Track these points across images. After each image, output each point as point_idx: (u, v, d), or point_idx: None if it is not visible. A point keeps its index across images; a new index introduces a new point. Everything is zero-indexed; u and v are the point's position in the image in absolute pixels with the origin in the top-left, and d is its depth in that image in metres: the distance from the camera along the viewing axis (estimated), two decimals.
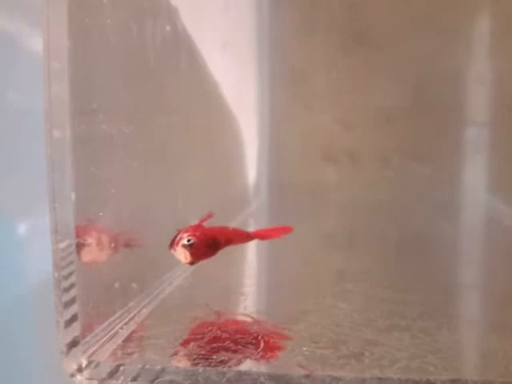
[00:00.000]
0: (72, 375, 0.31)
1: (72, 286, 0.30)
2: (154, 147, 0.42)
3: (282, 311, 0.41)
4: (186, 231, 0.39)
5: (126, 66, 0.37)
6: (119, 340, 0.34)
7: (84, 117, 0.30)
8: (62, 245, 0.29)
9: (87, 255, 0.33)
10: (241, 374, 0.30)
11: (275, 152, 0.78)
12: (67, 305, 0.31)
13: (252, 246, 0.52)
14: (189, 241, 0.38)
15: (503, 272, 0.51)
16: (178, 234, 0.39)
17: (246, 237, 0.44)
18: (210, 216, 0.42)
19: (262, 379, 0.30)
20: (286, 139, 0.79)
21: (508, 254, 0.57)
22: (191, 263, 0.38)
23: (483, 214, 0.74)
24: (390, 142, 0.77)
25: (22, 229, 0.75)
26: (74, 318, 0.30)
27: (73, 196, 0.29)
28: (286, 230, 0.44)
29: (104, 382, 0.30)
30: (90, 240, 0.33)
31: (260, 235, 0.44)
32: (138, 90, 0.39)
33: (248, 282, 0.49)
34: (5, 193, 0.75)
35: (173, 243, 0.39)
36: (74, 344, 0.31)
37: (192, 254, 0.38)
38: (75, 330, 0.30)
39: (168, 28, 0.42)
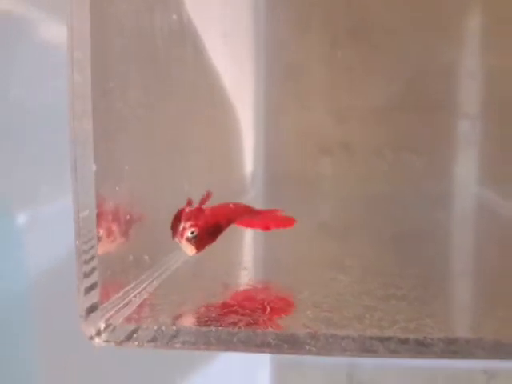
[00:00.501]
0: (91, 338, 0.33)
1: (92, 257, 0.32)
2: (163, 131, 0.44)
3: (284, 283, 0.43)
4: (188, 218, 0.41)
5: (138, 53, 0.39)
6: (133, 307, 0.36)
7: (102, 97, 0.32)
8: (83, 214, 0.31)
9: (101, 248, 0.35)
10: (250, 334, 0.32)
11: (271, 144, 0.80)
12: (87, 275, 0.33)
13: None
14: (192, 233, 0.40)
15: (496, 258, 0.53)
16: (179, 218, 0.41)
17: (245, 212, 0.46)
18: (208, 195, 0.43)
19: (270, 339, 0.32)
20: (281, 132, 0.81)
21: (501, 242, 0.59)
22: (196, 253, 0.41)
23: (476, 204, 0.76)
24: (384, 136, 0.79)
25: (21, 219, 0.77)
26: (92, 287, 0.33)
27: (94, 167, 0.31)
28: (288, 223, 0.46)
29: (122, 344, 0.33)
30: (102, 233, 0.35)
31: (262, 220, 0.46)
32: (149, 77, 0.41)
33: (247, 259, 0.52)
34: (5, 184, 0.77)
35: (175, 230, 0.41)
36: (92, 309, 0.33)
37: (197, 246, 0.41)
38: (94, 296, 0.33)
39: (174, 17, 0.44)
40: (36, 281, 0.77)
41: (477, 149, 0.77)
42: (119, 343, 0.33)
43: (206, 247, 0.42)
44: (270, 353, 0.32)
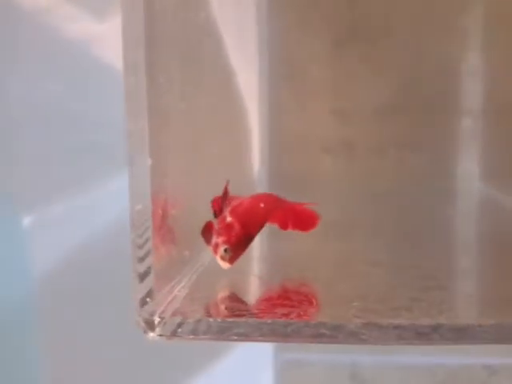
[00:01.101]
0: (145, 332, 0.33)
1: (147, 253, 0.32)
2: (198, 124, 0.45)
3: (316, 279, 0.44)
4: (220, 234, 0.42)
5: (178, 49, 0.39)
6: (179, 300, 0.37)
7: (151, 90, 0.33)
8: (138, 207, 0.32)
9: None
10: (304, 325, 0.33)
11: (275, 143, 0.80)
12: (142, 275, 0.33)
13: None
14: (225, 250, 0.42)
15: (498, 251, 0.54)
16: (209, 229, 0.43)
17: (275, 211, 0.46)
18: (226, 187, 0.44)
19: (323, 330, 0.33)
20: (284, 131, 0.81)
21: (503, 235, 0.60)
22: (230, 266, 0.42)
23: (478, 199, 0.78)
24: (387, 133, 0.80)
25: (27, 221, 0.76)
26: (146, 283, 0.33)
27: (149, 161, 0.32)
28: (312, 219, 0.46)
29: (175, 337, 0.33)
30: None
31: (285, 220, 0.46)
32: (187, 72, 0.42)
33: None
34: (11, 184, 0.77)
35: (207, 240, 0.43)
36: (144, 302, 0.33)
37: (230, 261, 0.42)
38: (147, 285, 0.33)
39: (202, 15, 0.45)
40: (41, 282, 0.77)
41: (479, 146, 0.78)
42: (172, 336, 0.33)
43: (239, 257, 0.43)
44: (325, 343, 0.32)
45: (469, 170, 0.77)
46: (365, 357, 0.84)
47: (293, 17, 0.79)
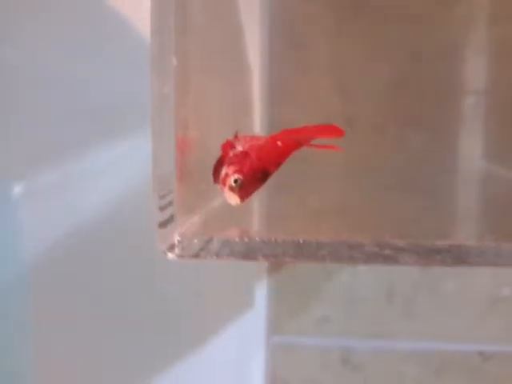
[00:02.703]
0: (164, 253, 0.33)
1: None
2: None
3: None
4: (231, 163, 0.38)
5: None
6: (198, 226, 0.36)
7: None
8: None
9: None
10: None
11: (275, 117, 0.80)
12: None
13: None
14: (236, 181, 0.38)
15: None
16: (222, 162, 0.39)
17: (295, 147, 0.43)
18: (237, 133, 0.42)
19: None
20: (284, 105, 0.81)
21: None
22: (241, 202, 0.38)
23: (481, 176, 0.78)
24: (388, 110, 0.80)
25: (17, 190, 0.75)
26: (168, 204, 0.33)
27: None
28: (335, 132, 0.44)
29: (199, 257, 0.32)
30: None
31: (307, 139, 0.44)
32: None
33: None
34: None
35: (217, 175, 0.39)
36: (166, 224, 0.33)
37: (241, 196, 0.38)
38: (169, 212, 0.33)
39: None
40: (33, 257, 0.75)
41: (482, 124, 0.78)
42: (194, 257, 0.32)
43: (251, 195, 0.40)
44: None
45: (471, 148, 0.78)
46: (357, 341, 0.84)
47: None
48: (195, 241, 0.32)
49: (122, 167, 0.71)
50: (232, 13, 0.61)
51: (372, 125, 0.80)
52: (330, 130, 0.45)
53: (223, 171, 0.38)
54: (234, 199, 0.38)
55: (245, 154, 0.39)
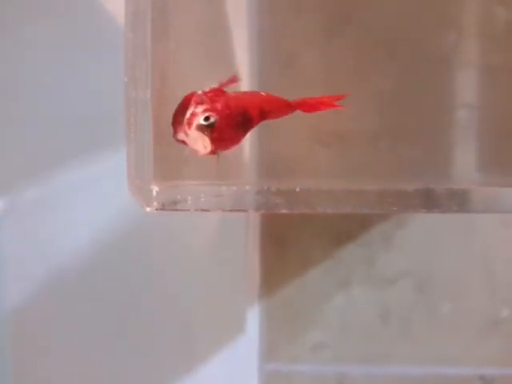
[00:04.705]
0: (143, 207, 0.32)
1: None
2: None
3: None
4: (200, 101, 0.29)
5: None
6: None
7: None
8: None
9: None
10: None
11: (265, 131, 0.80)
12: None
13: None
14: (207, 119, 0.29)
15: None
16: (187, 104, 0.29)
17: (287, 107, 0.37)
18: (232, 80, 0.33)
19: None
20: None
21: None
22: (212, 153, 0.29)
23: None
24: (381, 124, 0.80)
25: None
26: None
27: None
28: (336, 97, 0.41)
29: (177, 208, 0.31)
30: None
31: (304, 106, 0.39)
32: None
33: None
34: None
35: (179, 121, 0.28)
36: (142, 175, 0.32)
37: (213, 140, 0.29)
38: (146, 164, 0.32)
39: None
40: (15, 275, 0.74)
41: (475, 137, 0.78)
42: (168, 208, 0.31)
43: (227, 148, 0.30)
44: None
45: (464, 160, 0.77)
46: (353, 367, 0.83)
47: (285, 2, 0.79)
48: (175, 190, 0.31)
49: (111, 181, 0.70)
50: (220, 28, 0.61)
51: (364, 139, 0.80)
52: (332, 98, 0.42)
53: (188, 112, 0.29)
54: (202, 143, 0.28)
55: (219, 91, 0.31)
